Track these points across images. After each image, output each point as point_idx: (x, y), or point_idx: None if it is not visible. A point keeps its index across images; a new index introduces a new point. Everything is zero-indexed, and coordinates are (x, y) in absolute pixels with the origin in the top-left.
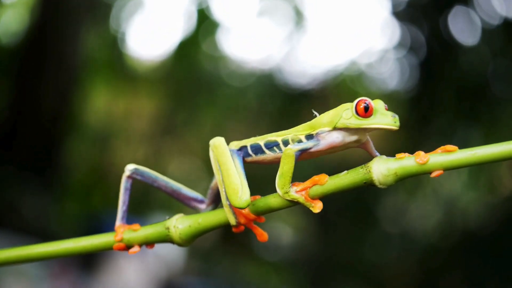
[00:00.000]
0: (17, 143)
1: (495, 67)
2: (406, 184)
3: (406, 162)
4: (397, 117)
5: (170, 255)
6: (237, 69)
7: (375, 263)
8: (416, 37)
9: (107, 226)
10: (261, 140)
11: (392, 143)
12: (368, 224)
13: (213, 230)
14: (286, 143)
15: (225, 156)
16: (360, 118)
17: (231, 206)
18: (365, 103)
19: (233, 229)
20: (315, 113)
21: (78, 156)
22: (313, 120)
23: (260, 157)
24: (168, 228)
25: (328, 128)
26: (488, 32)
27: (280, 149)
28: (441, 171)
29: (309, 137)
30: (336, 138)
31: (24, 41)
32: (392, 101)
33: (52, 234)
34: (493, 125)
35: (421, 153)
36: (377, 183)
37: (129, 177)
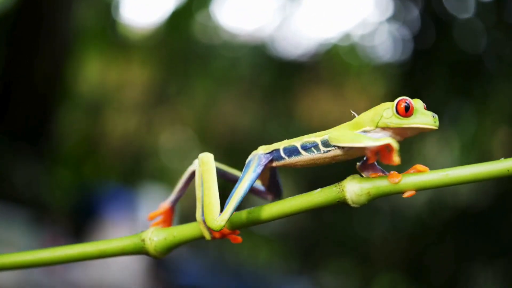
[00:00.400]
0: (9, 112)
1: (488, 42)
2: None
3: (379, 182)
4: (436, 116)
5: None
6: (230, 39)
7: (365, 238)
8: (409, 10)
9: (98, 197)
10: (297, 141)
11: None
12: None
13: (188, 242)
14: (325, 143)
15: (210, 174)
16: (401, 117)
17: (205, 222)
18: (406, 102)
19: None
20: (353, 113)
21: (71, 126)
22: (352, 120)
23: (294, 159)
24: (143, 240)
25: (371, 127)
26: (482, 6)
27: (318, 150)
28: (414, 192)
29: None
30: (384, 136)
31: (16, 8)
32: (385, 74)
33: (44, 203)
34: (485, 101)
35: (395, 173)
36: (350, 202)
37: (194, 171)
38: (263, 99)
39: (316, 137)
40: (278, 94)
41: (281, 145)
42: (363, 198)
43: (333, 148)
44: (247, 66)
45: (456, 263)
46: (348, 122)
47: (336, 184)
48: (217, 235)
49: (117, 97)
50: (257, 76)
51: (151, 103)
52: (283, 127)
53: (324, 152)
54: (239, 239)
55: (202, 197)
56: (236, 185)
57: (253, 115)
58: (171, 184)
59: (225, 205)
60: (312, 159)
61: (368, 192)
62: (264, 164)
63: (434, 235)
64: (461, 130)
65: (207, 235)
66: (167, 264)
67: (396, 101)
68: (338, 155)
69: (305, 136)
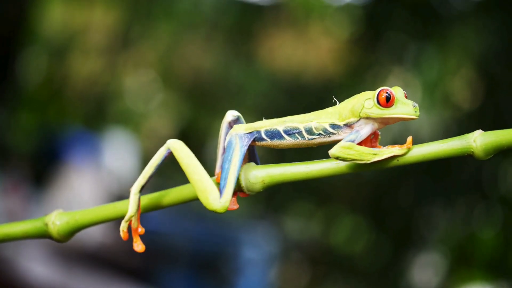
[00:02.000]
0: None
1: None
2: None
3: (273, 170)
4: (417, 106)
5: (122, 171)
6: None
7: (325, 181)
8: None
9: (61, 141)
10: (279, 125)
11: (346, 58)
12: (318, 147)
13: (91, 226)
14: (309, 131)
15: (191, 158)
16: (382, 108)
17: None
18: (386, 92)
19: (122, 235)
20: (335, 100)
21: (34, 69)
22: (333, 108)
23: (276, 142)
24: (46, 224)
25: (354, 118)
26: None
27: (302, 136)
28: None
29: (335, 126)
30: (371, 126)
31: None
32: (348, 16)
33: (6, 148)
34: (444, 43)
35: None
36: (245, 190)
37: (230, 123)
38: (225, 42)
39: (298, 123)
40: (240, 37)
41: (262, 127)
42: (257, 186)
43: (317, 136)
44: (209, 8)
45: (416, 206)
46: (329, 110)
47: None
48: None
49: (81, 40)
50: (219, 19)
51: (115, 46)
52: (246, 70)
53: (308, 140)
54: (142, 248)
55: (192, 183)
56: (225, 166)
57: (216, 58)
58: (136, 128)
59: (222, 188)
60: (296, 144)
61: (263, 180)
62: (247, 144)
63: (394, 180)
64: (423, 72)
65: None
66: None
67: (377, 91)
68: (324, 142)
69: (287, 119)
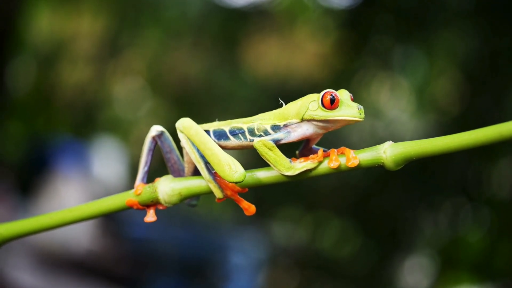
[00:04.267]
0: None
1: None
2: None
3: (190, 182)
4: (362, 108)
5: (111, 178)
6: None
7: (312, 187)
8: None
9: (50, 150)
10: (225, 126)
11: (332, 63)
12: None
13: (16, 239)
14: (251, 131)
15: (201, 135)
16: (326, 110)
17: (215, 180)
18: (331, 95)
19: (217, 200)
20: (281, 101)
21: (23, 78)
22: (279, 110)
23: (223, 142)
24: None
25: (296, 120)
26: None
27: (245, 137)
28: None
29: (275, 127)
30: (307, 130)
31: None
32: (333, 20)
33: None
34: (429, 47)
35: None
36: (162, 202)
37: (154, 138)
38: (212, 48)
39: (243, 124)
40: (226, 43)
41: (211, 127)
42: (174, 198)
43: (259, 138)
44: (196, 15)
45: (402, 210)
46: (275, 111)
47: (150, 184)
48: (228, 192)
49: (69, 48)
50: (206, 26)
51: (103, 54)
52: (232, 76)
53: (250, 141)
54: (253, 209)
55: (203, 157)
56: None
57: (203, 65)
58: (124, 136)
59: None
60: (240, 145)
61: (179, 193)
62: None
63: (381, 184)
64: (409, 75)
65: (219, 194)
66: (118, 216)
67: (321, 94)
68: None
69: (234, 121)
